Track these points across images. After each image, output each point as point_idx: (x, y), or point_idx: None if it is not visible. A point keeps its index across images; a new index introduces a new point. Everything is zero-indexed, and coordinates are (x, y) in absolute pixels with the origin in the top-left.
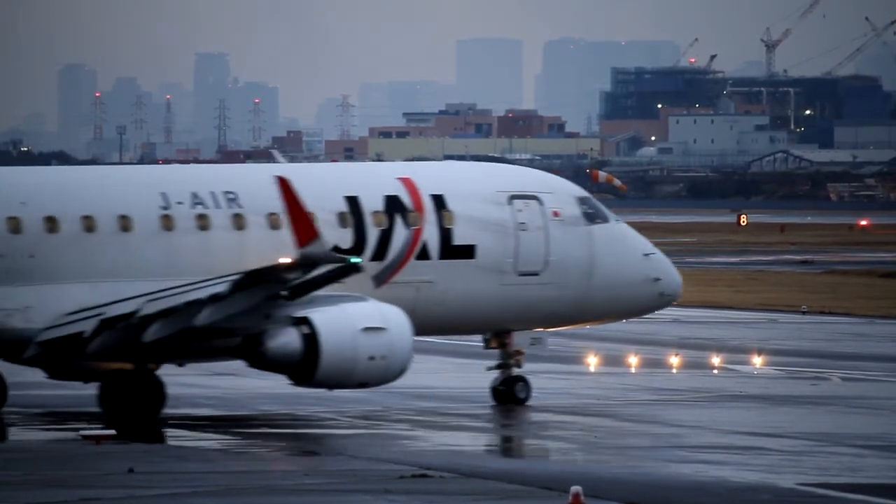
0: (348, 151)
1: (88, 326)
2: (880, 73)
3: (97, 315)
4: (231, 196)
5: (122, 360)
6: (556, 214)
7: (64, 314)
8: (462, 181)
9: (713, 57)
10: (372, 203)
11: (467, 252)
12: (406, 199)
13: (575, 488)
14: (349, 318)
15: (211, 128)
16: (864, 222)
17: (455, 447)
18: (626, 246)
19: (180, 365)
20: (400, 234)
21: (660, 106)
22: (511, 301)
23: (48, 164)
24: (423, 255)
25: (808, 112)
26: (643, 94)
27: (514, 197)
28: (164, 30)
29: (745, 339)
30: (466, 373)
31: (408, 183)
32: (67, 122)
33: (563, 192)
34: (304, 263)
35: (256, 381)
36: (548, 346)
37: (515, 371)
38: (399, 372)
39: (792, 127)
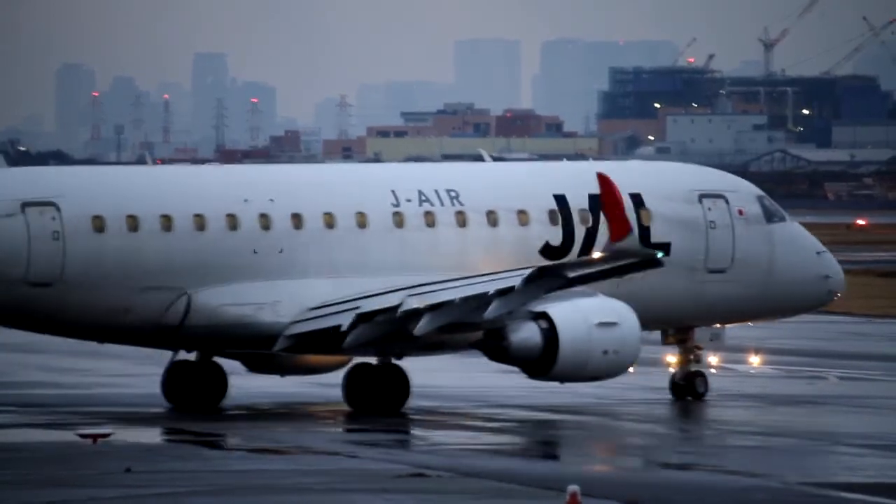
0: (346, 151)
1: (346, 320)
2: (878, 72)
3: (353, 309)
4: (453, 194)
5: (375, 353)
6: (740, 213)
7: (308, 309)
8: (656, 180)
9: (711, 56)
10: (578, 201)
11: (664, 250)
12: None
13: (572, 487)
14: (584, 313)
15: (209, 127)
16: (861, 222)
17: (453, 446)
18: (801, 244)
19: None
20: (604, 231)
21: (657, 105)
22: (699, 297)
23: (46, 164)
24: None
25: (805, 112)
26: (641, 93)
27: (703, 196)
28: (162, 29)
29: (743, 338)
30: (465, 372)
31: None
32: (65, 122)
33: (745, 191)
34: (616, 257)
35: (256, 380)
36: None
37: (694, 367)
38: (628, 366)
39: (790, 126)
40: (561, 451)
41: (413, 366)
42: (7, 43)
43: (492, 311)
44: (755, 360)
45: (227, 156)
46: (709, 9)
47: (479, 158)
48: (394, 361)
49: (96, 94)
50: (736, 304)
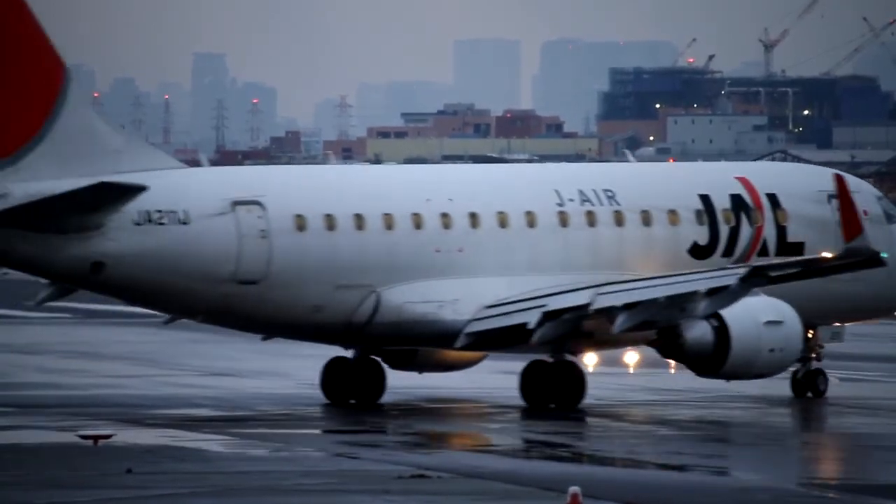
0: (346, 152)
1: (532, 318)
2: (878, 73)
3: (539, 307)
4: (609, 193)
5: (552, 350)
6: (864, 213)
7: (484, 307)
8: (789, 181)
9: (711, 57)
10: (721, 201)
11: (798, 249)
12: (747, 197)
13: (573, 488)
14: (752, 312)
15: (209, 128)
16: None
17: (454, 447)
18: None
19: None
20: (745, 231)
21: (658, 106)
22: (829, 296)
23: None
24: (763, 251)
25: (806, 112)
26: (641, 94)
27: (831, 196)
28: (162, 30)
29: None
30: (466, 372)
31: (745, 182)
32: None
33: (867, 193)
34: (847, 256)
35: (256, 381)
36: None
37: (815, 364)
38: (789, 364)
39: (790, 127)
40: (562, 452)
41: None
42: None
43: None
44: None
45: (227, 156)
46: (709, 9)
47: (623, 159)
48: (568, 358)
49: (97, 95)
50: (859, 303)
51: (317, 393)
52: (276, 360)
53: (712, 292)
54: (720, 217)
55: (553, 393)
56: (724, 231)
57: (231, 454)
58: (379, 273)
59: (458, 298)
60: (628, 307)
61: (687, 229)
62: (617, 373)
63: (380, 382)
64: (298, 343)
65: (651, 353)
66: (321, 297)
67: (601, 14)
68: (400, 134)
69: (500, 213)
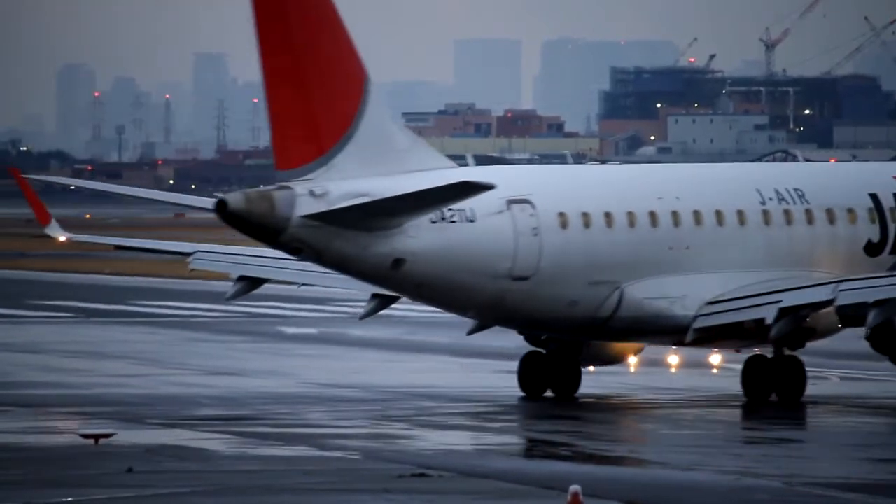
0: None
1: (769, 314)
2: (879, 72)
3: (774, 303)
4: (799, 192)
5: (789, 345)
6: None
7: (706, 303)
8: None
9: (712, 56)
10: (887, 200)
11: None
12: None
13: (574, 487)
14: None
15: (210, 127)
16: None
17: (454, 446)
18: None
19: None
20: None
21: (659, 105)
22: None
23: (47, 164)
24: None
25: (807, 112)
26: (642, 93)
27: None
28: (163, 30)
29: None
30: (466, 372)
31: None
32: (66, 122)
33: None
34: None
35: (257, 381)
36: None
37: None
38: None
39: (791, 126)
40: (562, 451)
41: (413, 366)
42: (8, 43)
43: None
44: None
45: (228, 156)
46: (710, 9)
47: (790, 158)
48: (788, 353)
49: (97, 95)
50: None
51: (320, 391)
52: (277, 359)
53: None
54: (888, 215)
55: (775, 386)
56: (892, 229)
57: (232, 453)
58: (624, 270)
59: (685, 294)
60: (878, 304)
61: (863, 227)
62: (617, 372)
63: (575, 375)
64: (298, 343)
65: (650, 352)
66: (577, 293)
67: (602, 13)
68: None
69: (718, 211)
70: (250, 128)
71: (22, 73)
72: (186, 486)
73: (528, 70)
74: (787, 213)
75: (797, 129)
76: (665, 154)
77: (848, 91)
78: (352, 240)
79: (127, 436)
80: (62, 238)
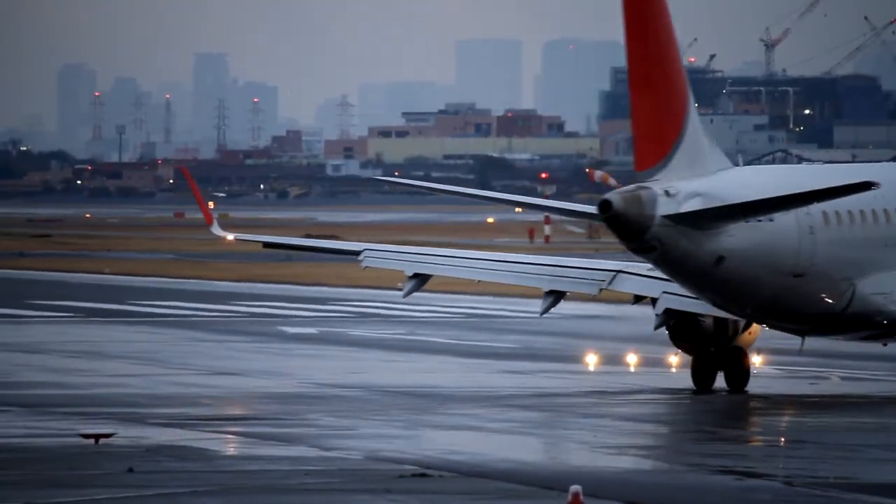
0: (347, 151)
1: None
2: (879, 72)
3: None
4: None
5: None
6: None
7: None
8: None
9: (712, 56)
10: None
11: None
12: None
13: (574, 488)
14: None
15: (210, 127)
16: None
17: (455, 447)
18: None
19: None
20: None
21: None
22: None
23: (47, 164)
24: None
25: (807, 111)
26: None
27: None
28: (164, 30)
29: None
30: (466, 372)
31: None
32: (67, 122)
33: None
34: None
35: (257, 381)
36: None
37: None
38: None
39: (791, 126)
40: (562, 452)
41: (413, 365)
42: (9, 43)
43: None
44: (757, 359)
45: (229, 156)
46: (710, 9)
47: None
48: None
49: (98, 94)
50: None
51: (320, 391)
52: (277, 359)
53: None
54: None
55: None
56: None
57: (232, 453)
58: (857, 266)
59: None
60: None
61: None
62: (617, 371)
63: (741, 371)
64: (298, 343)
65: (650, 351)
66: (832, 289)
67: (602, 13)
68: (401, 133)
69: None
70: (250, 128)
71: (22, 73)
72: (186, 486)
73: (528, 70)
74: None
75: (797, 129)
76: None
77: (848, 91)
78: (692, 238)
79: (127, 435)
80: (229, 237)
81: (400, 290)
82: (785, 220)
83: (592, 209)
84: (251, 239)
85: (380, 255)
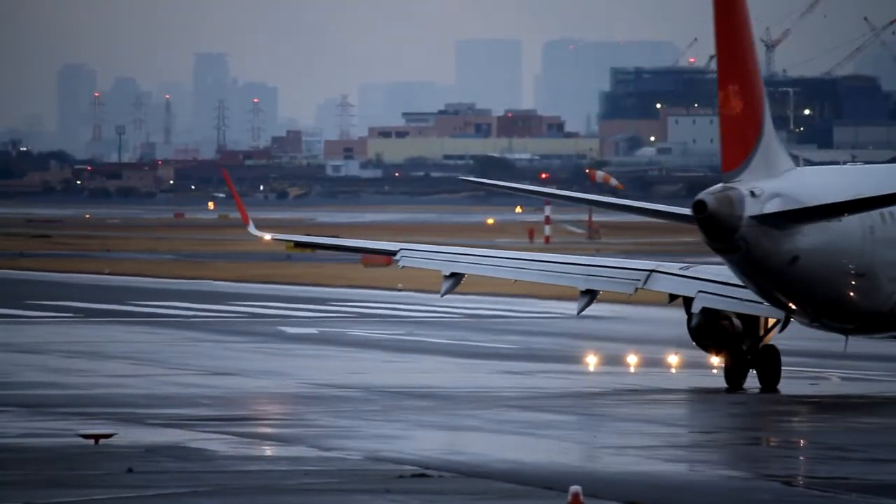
0: (347, 151)
1: None
2: (879, 73)
3: None
4: None
5: None
6: None
7: None
8: None
9: (712, 57)
10: None
11: None
12: None
13: (574, 488)
14: None
15: (210, 128)
16: None
17: (455, 447)
18: None
19: None
20: None
21: (659, 106)
22: None
23: (47, 164)
24: None
25: (807, 112)
26: (642, 93)
27: None
28: (164, 30)
29: None
30: (466, 372)
31: None
32: (66, 122)
33: None
34: None
35: (257, 381)
36: None
37: None
38: None
39: (791, 127)
40: (562, 452)
41: (412, 366)
42: (9, 43)
43: None
44: None
45: (229, 156)
46: (710, 9)
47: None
48: None
49: (98, 95)
50: None
51: (319, 391)
52: (277, 359)
53: None
54: None
55: None
56: None
57: (232, 453)
58: None
59: None
60: None
61: None
62: (617, 372)
63: (776, 369)
64: (298, 343)
65: (650, 351)
66: (890, 288)
67: (602, 14)
68: (401, 133)
69: None
70: (250, 128)
71: (22, 73)
72: (186, 486)
73: (528, 70)
74: None
75: (797, 130)
76: (665, 154)
77: (848, 91)
78: (773, 238)
79: (127, 436)
80: (266, 237)
81: (400, 290)
82: (851, 220)
83: (678, 210)
84: (287, 239)
85: (416, 254)
